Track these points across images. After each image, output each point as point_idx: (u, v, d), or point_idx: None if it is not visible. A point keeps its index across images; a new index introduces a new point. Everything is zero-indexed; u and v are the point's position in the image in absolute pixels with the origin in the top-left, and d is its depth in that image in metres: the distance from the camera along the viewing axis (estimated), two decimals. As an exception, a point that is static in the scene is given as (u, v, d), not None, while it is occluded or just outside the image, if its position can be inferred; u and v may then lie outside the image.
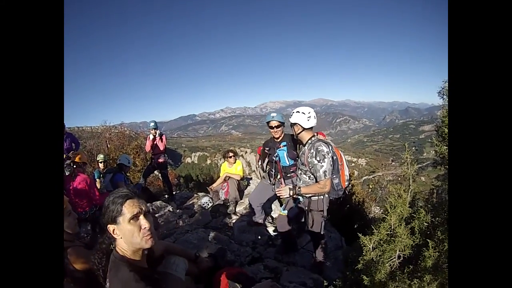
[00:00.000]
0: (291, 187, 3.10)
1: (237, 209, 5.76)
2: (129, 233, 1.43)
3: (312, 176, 3.11)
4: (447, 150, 1.70)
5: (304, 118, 3.03)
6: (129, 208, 1.44)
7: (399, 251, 1.66)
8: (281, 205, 5.30)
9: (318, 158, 2.94)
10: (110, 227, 1.45)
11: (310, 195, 3.15)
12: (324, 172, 2.95)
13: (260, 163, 4.33)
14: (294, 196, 3.15)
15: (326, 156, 2.94)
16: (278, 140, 3.97)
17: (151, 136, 6.58)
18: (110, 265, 1.44)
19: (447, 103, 1.88)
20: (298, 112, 3.07)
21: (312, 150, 2.99)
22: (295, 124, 3.09)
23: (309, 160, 3.01)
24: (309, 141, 3.09)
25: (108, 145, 11.48)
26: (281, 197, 3.17)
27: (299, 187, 3.08)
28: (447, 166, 1.77)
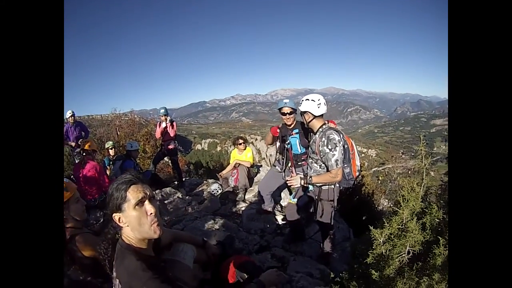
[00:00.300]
0: (302, 176, 3.07)
1: (246, 197, 5.77)
2: (136, 220, 1.40)
3: (323, 165, 3.07)
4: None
5: (314, 105, 2.98)
6: (133, 194, 1.41)
7: (409, 246, 1.63)
8: (290, 194, 5.28)
9: (329, 147, 2.90)
10: (116, 216, 1.43)
11: (320, 184, 3.13)
12: (336, 161, 2.91)
13: (277, 145, 4.26)
14: (305, 185, 3.12)
15: (337, 145, 2.91)
16: (291, 127, 3.91)
17: (163, 124, 6.58)
18: (116, 254, 1.43)
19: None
20: (308, 99, 3.02)
21: (323, 139, 2.95)
22: (305, 112, 3.04)
23: (320, 149, 2.98)
24: (320, 129, 3.04)
25: (118, 133, 11.56)
26: (291, 186, 3.14)
27: (310, 177, 3.05)
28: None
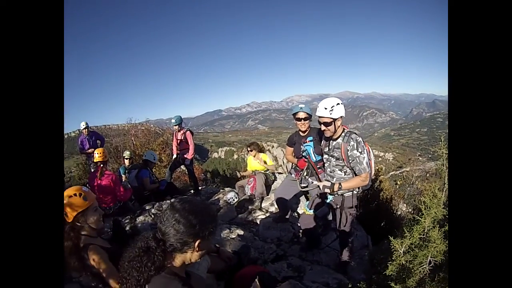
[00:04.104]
0: (328, 184, 2.96)
1: (262, 205, 5.67)
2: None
3: (348, 171, 2.98)
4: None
5: (343, 108, 2.83)
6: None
7: (431, 256, 1.54)
8: (307, 200, 5.17)
9: (359, 150, 2.82)
10: (199, 243, 1.37)
11: (342, 192, 3.03)
12: (367, 163, 2.85)
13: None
14: (332, 193, 3.03)
15: (364, 148, 2.86)
16: (304, 135, 3.80)
17: (179, 134, 6.60)
18: (160, 283, 1.34)
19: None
20: (339, 104, 2.81)
21: (352, 142, 2.84)
22: (340, 116, 2.84)
23: (349, 154, 2.87)
24: (343, 134, 2.94)
25: (134, 142, 11.67)
26: (324, 190, 2.99)
27: (340, 183, 2.93)
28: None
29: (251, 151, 5.85)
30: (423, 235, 1.58)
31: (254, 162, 5.95)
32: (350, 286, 2.03)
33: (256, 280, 2.01)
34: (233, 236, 4.03)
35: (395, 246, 1.60)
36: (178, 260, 1.39)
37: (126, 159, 6.83)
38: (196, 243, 1.34)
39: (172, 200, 1.28)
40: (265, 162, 5.83)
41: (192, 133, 6.77)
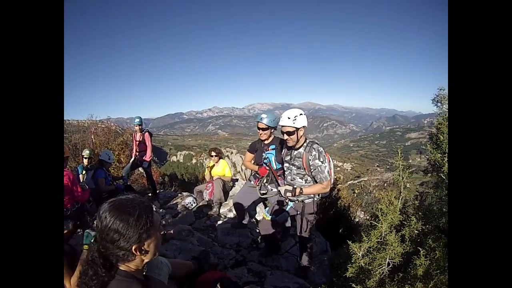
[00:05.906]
0: (290, 188, 2.97)
1: (221, 211, 5.68)
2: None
3: (309, 179, 3.05)
4: (440, 158, 1.68)
5: (306, 119, 2.91)
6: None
7: (389, 258, 1.61)
8: (266, 207, 5.21)
9: (321, 159, 2.90)
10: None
11: (303, 198, 3.10)
12: (328, 172, 2.93)
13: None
14: (291, 198, 3.07)
15: (325, 157, 2.94)
16: (266, 143, 3.89)
17: (138, 134, 6.45)
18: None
19: (441, 111, 1.85)
20: (301, 114, 2.89)
21: (314, 152, 2.91)
22: (303, 126, 2.91)
23: (311, 163, 2.93)
24: (304, 144, 3.00)
25: (94, 140, 11.22)
26: (286, 194, 3.01)
27: (301, 188, 2.97)
28: (438, 174, 1.75)
29: (216, 156, 5.83)
30: (381, 239, 1.65)
31: (216, 168, 5.95)
32: (311, 289, 2.07)
33: (218, 285, 1.99)
34: (192, 242, 3.97)
35: (353, 250, 1.67)
36: (131, 265, 1.33)
37: (85, 158, 6.55)
38: (133, 249, 1.24)
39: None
40: (224, 175, 5.88)
41: (150, 134, 6.64)
